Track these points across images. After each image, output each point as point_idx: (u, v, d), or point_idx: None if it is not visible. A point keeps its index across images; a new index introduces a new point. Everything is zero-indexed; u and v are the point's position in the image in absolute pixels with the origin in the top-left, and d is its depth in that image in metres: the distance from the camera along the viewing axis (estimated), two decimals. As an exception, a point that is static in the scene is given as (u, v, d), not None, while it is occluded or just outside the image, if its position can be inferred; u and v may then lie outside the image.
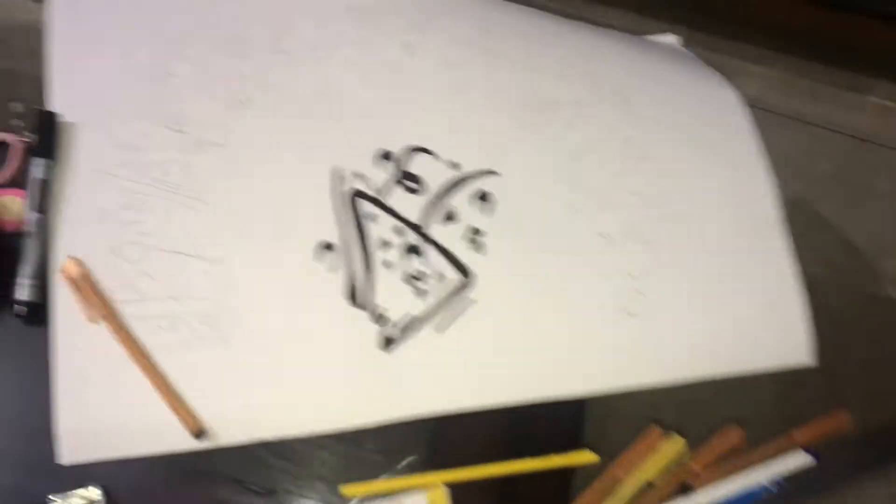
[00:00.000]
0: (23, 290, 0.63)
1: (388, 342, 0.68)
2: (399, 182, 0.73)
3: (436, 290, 0.70)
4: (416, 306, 0.70)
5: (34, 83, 0.70)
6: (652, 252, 0.74)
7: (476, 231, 0.73)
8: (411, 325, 0.69)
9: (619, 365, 0.70)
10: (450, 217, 0.73)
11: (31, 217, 0.65)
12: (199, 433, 0.62)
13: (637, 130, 0.78)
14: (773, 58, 0.89)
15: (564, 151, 0.77)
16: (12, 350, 0.64)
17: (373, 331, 0.68)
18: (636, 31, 0.88)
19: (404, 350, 0.68)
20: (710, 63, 0.86)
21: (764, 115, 0.81)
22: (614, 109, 0.79)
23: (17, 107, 0.69)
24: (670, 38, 0.90)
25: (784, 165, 0.78)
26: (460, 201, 0.73)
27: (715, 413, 0.71)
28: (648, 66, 0.83)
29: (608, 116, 0.78)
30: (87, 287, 0.64)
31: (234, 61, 0.74)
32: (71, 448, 0.62)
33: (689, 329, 0.72)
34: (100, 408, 0.63)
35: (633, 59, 0.83)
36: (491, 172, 0.75)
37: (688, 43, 0.88)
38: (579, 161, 0.76)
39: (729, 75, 0.84)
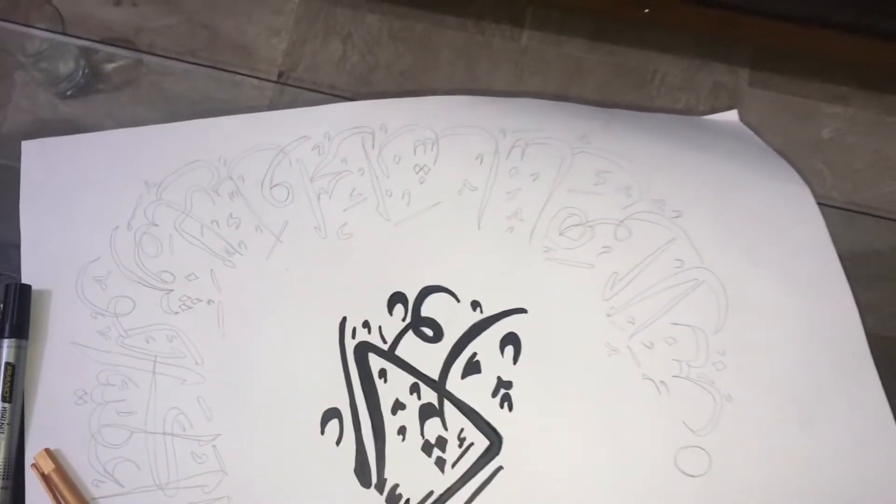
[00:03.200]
0: (-10, 494, 0.56)
1: (405, 528, 0.59)
2: (413, 330, 0.64)
3: (459, 459, 0.61)
4: (437, 480, 0.60)
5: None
6: (713, 398, 0.63)
7: (504, 383, 0.63)
8: (431, 504, 0.60)
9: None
10: (473, 368, 0.63)
11: (-1, 407, 0.58)
12: None
13: (690, 248, 0.67)
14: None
15: (601, 281, 0.66)
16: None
17: (387, 514, 0.59)
18: (698, 79, 0.77)
19: (424, 536, 0.59)
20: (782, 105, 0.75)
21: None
22: (661, 226, 0.68)
23: (-11, 274, 0.63)
24: (731, 117, 0.78)
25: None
26: (484, 348, 0.64)
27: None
28: (703, 166, 0.72)
29: (654, 235, 0.68)
30: (60, 483, 0.57)
31: (223, 202, 0.67)
32: None
33: (763, 487, 0.61)
34: None
35: (683, 157, 0.72)
36: (518, 311, 0.65)
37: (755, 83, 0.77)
38: (620, 291, 0.66)
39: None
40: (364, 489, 0.60)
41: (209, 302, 0.64)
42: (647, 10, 0.73)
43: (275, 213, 0.67)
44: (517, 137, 0.71)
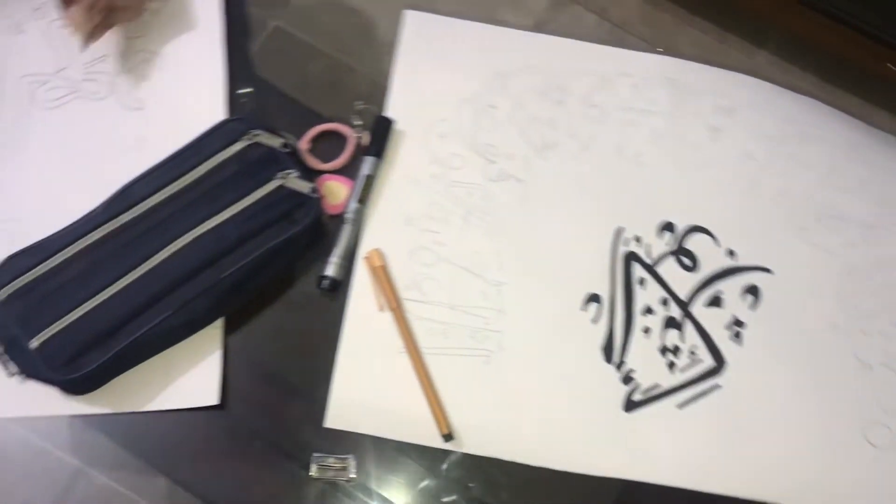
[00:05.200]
0: (330, 267, 0.71)
1: (631, 404, 0.71)
2: (675, 255, 0.76)
3: (686, 367, 0.73)
4: (665, 377, 0.72)
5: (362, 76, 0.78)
6: (909, 390, 0.73)
7: (738, 322, 0.74)
8: (656, 394, 0.72)
9: (851, 491, 0.70)
10: (716, 301, 0.75)
11: (352, 206, 0.73)
12: (447, 436, 0.68)
13: (924, 266, 0.78)
14: None
15: (840, 269, 0.77)
16: (313, 315, 0.72)
17: (619, 389, 0.72)
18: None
19: (644, 416, 0.71)
20: None
21: None
22: (903, 240, 0.78)
23: (359, 105, 0.77)
24: None
25: None
26: (729, 289, 0.75)
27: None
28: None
29: (894, 246, 0.78)
30: (383, 277, 0.72)
31: (549, 105, 0.80)
32: (337, 415, 0.69)
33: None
34: (368, 387, 0.70)
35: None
36: (765, 269, 0.76)
37: None
38: (854, 282, 0.77)
39: None
40: (606, 363, 0.72)
41: (519, 180, 0.77)
42: (890, 65, 0.82)
43: (587, 127, 0.80)
44: (800, 129, 0.82)
